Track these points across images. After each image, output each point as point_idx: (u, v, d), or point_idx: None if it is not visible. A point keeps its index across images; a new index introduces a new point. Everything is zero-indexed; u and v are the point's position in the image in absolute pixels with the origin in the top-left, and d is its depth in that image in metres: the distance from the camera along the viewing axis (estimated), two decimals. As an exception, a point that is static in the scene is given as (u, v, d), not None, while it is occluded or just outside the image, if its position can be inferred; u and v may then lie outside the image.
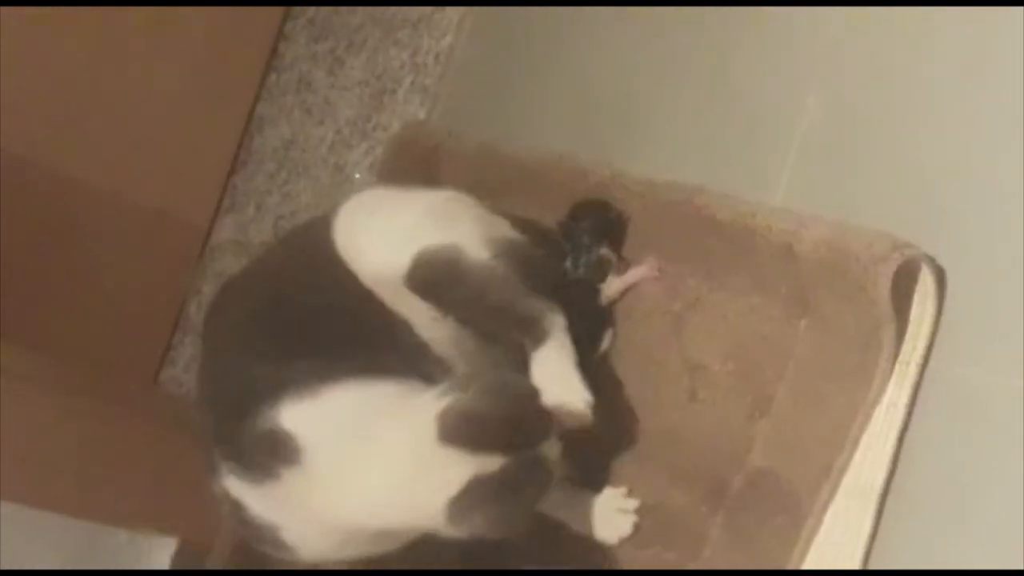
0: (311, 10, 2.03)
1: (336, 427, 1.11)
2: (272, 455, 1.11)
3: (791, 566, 1.07)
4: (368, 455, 1.08)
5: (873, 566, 1.05)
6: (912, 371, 1.06)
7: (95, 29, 1.96)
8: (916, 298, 1.07)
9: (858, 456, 1.07)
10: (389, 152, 1.70)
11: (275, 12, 2.07)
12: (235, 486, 1.15)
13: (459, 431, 1.04)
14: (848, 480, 1.07)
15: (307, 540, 1.15)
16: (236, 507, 1.16)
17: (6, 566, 1.65)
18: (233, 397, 1.18)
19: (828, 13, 1.25)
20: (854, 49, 1.23)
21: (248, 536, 1.20)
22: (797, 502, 1.08)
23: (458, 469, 1.04)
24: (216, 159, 2.07)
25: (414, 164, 1.62)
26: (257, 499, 1.14)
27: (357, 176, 1.81)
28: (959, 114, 1.12)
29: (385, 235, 1.22)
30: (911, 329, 1.07)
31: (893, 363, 1.06)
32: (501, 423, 1.05)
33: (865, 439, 1.07)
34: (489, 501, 1.03)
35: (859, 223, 1.11)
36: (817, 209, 1.16)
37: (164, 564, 1.69)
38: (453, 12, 1.73)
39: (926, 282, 1.06)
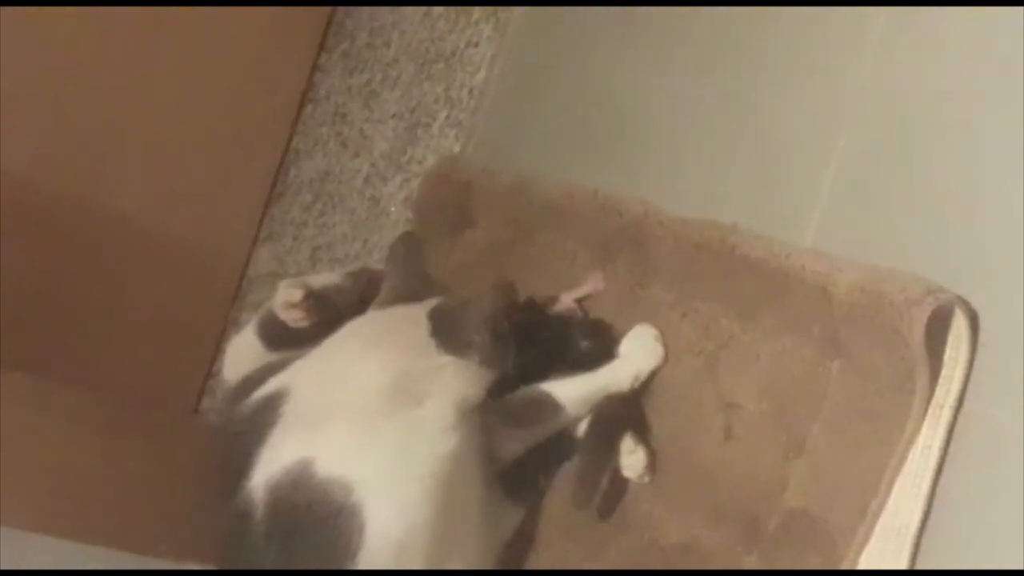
0: (346, 43, 2.06)
1: None
2: None
3: (827, 607, 1.08)
4: None
5: (908, 608, 1.06)
6: (946, 413, 1.07)
7: (132, 63, 2.00)
8: (950, 341, 1.07)
9: (893, 497, 1.07)
10: (423, 187, 1.73)
11: (311, 45, 2.11)
12: None
13: None
14: (883, 521, 1.07)
15: None
16: None
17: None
18: None
19: (858, 54, 1.26)
20: (885, 89, 1.23)
21: None
22: (832, 543, 1.09)
23: None
24: (253, 190, 2.11)
25: (448, 199, 1.65)
26: None
27: (392, 210, 1.84)
28: (992, 155, 1.12)
29: None
30: (945, 372, 1.07)
31: (927, 405, 1.06)
32: None
33: (900, 481, 1.07)
34: None
35: (891, 265, 1.11)
36: (848, 250, 1.16)
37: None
38: (486, 47, 1.76)
39: (959, 326, 1.07)
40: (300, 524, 1.17)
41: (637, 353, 1.31)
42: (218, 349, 2.06)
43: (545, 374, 1.32)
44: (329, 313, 1.37)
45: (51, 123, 1.94)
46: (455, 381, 1.25)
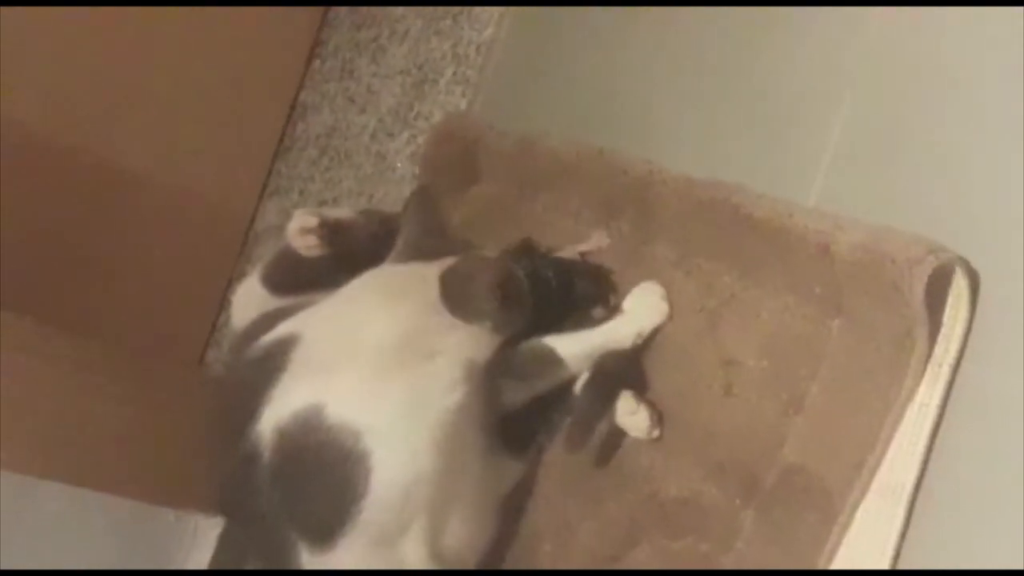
0: (354, -4, 2.06)
1: None
2: None
3: (822, 562, 1.08)
4: None
5: (903, 564, 1.07)
6: (944, 372, 1.07)
7: (141, 17, 2.00)
8: (950, 300, 1.08)
9: (889, 455, 1.08)
10: (430, 143, 1.73)
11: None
12: None
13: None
14: (879, 478, 1.08)
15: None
16: None
17: (59, 540, 1.70)
18: None
19: (865, 12, 1.25)
20: (892, 49, 1.23)
21: None
22: (829, 499, 1.10)
23: None
24: (260, 145, 2.11)
25: (454, 156, 1.65)
26: None
27: (398, 165, 1.84)
28: (997, 116, 1.12)
29: None
30: (944, 331, 1.08)
31: (926, 364, 1.07)
32: None
33: (897, 438, 1.08)
34: None
35: (894, 225, 1.12)
36: (851, 210, 1.16)
37: (211, 542, 1.73)
38: (494, 5, 1.75)
39: (960, 285, 1.07)
40: (307, 468, 1.18)
41: (641, 310, 1.32)
42: (224, 302, 2.07)
43: (548, 325, 1.33)
44: (341, 246, 1.37)
45: (61, 76, 1.95)
46: (465, 342, 1.27)
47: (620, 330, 1.31)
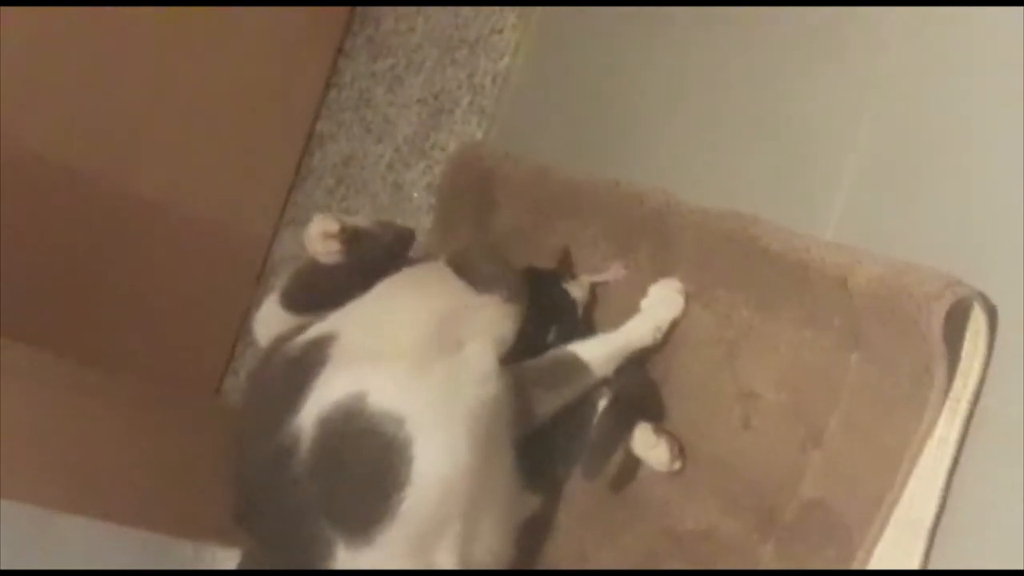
0: (371, 28, 2.07)
1: None
2: None
3: (841, 598, 1.08)
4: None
5: (922, 600, 1.06)
6: (963, 407, 1.07)
7: (158, 46, 2.01)
8: (968, 335, 1.07)
9: (908, 490, 1.07)
10: (446, 173, 1.73)
11: (336, 29, 2.11)
12: None
13: None
14: (898, 513, 1.08)
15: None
16: None
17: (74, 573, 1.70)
18: None
19: (882, 44, 1.26)
20: (908, 82, 1.23)
21: None
22: (848, 534, 1.10)
23: None
24: (277, 174, 2.12)
25: (471, 185, 1.65)
26: None
27: (415, 195, 1.84)
28: (1016, 149, 1.11)
29: None
30: (962, 366, 1.07)
31: (944, 399, 1.07)
32: None
33: (915, 473, 1.07)
34: None
35: (912, 258, 1.11)
36: (869, 242, 1.16)
37: (228, 573, 1.73)
38: (510, 34, 1.76)
39: (978, 320, 1.07)
40: (349, 456, 1.18)
41: (657, 305, 1.33)
42: (241, 331, 2.08)
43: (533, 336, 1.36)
44: (361, 252, 1.37)
45: (78, 105, 1.95)
46: (492, 321, 1.30)
47: (639, 327, 1.33)
